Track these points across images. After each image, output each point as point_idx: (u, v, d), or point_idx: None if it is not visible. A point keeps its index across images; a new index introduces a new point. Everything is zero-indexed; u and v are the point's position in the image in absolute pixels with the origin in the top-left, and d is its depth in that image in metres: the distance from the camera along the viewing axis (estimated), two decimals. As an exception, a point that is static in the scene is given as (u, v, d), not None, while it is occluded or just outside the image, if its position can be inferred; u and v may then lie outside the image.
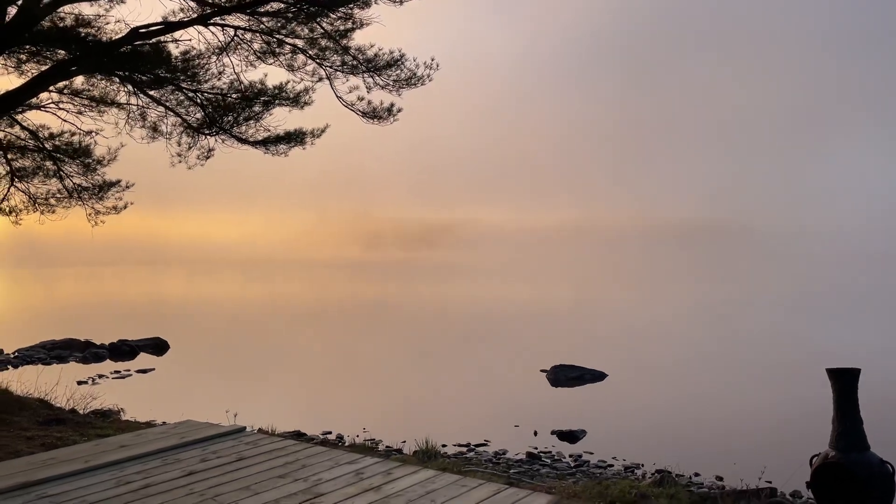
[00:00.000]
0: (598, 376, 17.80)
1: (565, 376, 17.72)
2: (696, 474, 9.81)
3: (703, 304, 43.37)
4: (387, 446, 10.65)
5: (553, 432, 12.22)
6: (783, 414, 13.86)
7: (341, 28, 10.14)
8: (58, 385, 10.89)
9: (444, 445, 10.69)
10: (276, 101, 11.05)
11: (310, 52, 9.85)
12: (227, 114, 11.25)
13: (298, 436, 11.05)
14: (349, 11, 9.78)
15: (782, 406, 14.55)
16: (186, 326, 31.75)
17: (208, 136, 11.52)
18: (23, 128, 11.50)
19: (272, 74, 10.77)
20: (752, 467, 8.88)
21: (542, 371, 18.28)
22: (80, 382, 16.01)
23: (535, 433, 12.20)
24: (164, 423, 11.89)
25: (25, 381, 11.18)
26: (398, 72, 9.72)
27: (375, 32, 10.29)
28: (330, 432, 11.76)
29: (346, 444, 10.40)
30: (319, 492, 4.17)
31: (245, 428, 5.72)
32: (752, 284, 60.94)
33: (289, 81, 10.63)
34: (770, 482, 8.44)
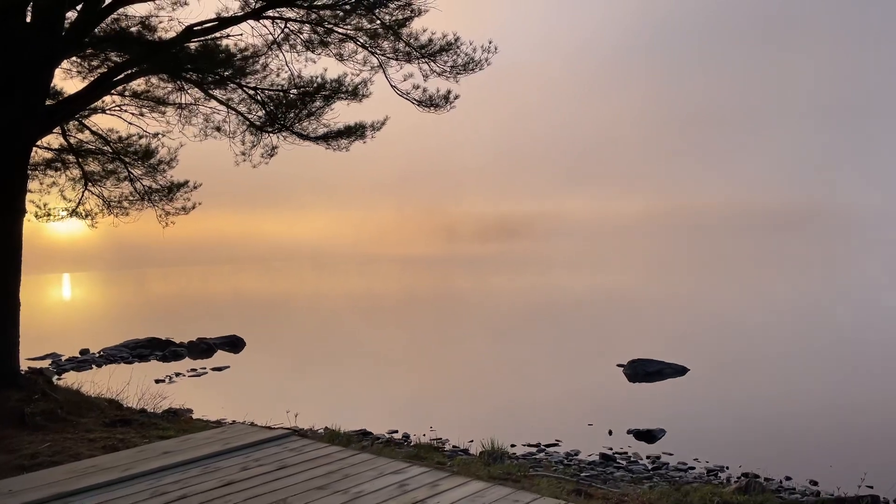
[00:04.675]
0: (678, 371, 16.98)
1: (643, 371, 16.97)
2: (788, 478, 9.06)
3: (794, 292, 41.28)
4: (453, 446, 10.31)
5: (629, 431, 11.61)
6: (885, 414, 12.75)
7: (399, 17, 9.82)
8: (129, 384, 11.01)
9: (512, 445, 10.29)
10: (336, 96, 10.86)
11: (360, 40, 9.57)
12: (289, 111, 11.15)
13: (364, 435, 10.84)
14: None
15: (884, 405, 13.41)
16: (263, 324, 32.35)
17: (271, 134, 11.45)
18: (92, 132, 11.71)
19: (329, 69, 10.58)
20: (852, 471, 8.13)
21: (618, 366, 17.58)
22: (157, 381, 16.36)
23: (610, 432, 11.61)
24: (232, 421, 11.93)
25: (99, 382, 11.36)
26: (454, 57, 9.32)
27: (466, 18, 9.91)
28: (396, 431, 11.51)
29: (411, 443, 10.11)
30: (358, 506, 3.85)
31: (292, 432, 5.46)
32: (849, 270, 57.72)
33: (346, 74, 10.42)
34: (871, 487, 7.70)
